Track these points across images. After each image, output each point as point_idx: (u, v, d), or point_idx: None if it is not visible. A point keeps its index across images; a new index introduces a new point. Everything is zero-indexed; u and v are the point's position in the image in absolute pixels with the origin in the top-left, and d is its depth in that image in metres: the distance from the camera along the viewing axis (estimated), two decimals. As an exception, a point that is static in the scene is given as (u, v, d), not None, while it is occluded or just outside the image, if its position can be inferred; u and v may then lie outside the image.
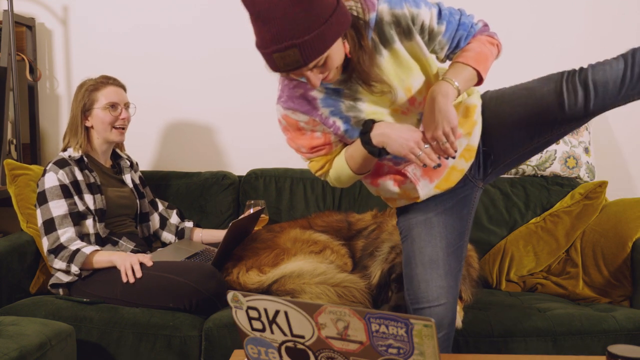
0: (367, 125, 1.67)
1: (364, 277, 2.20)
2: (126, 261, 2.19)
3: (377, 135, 1.64)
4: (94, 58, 3.02)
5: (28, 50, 2.96)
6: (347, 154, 1.76)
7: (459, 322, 2.02)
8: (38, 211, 2.28)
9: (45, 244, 2.25)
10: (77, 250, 2.21)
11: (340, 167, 1.79)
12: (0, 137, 2.75)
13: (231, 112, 3.02)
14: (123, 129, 2.45)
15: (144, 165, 2.96)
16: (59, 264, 2.22)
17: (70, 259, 2.20)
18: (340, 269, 2.28)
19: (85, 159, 2.38)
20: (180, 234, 2.62)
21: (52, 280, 2.31)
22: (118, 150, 2.57)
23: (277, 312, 1.22)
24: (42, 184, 2.29)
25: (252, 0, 1.50)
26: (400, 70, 1.66)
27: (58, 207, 2.25)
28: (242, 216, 2.53)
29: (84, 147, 2.39)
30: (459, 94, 1.63)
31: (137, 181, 2.58)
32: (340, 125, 1.72)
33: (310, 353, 1.24)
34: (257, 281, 2.24)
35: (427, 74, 1.69)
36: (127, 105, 2.45)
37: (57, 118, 3.09)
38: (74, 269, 2.21)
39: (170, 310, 2.16)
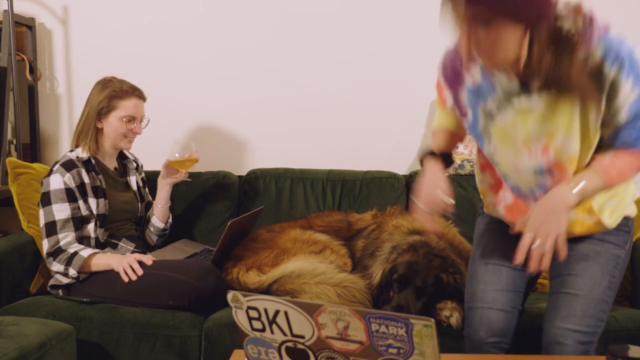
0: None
1: (365, 277, 2.20)
2: (123, 262, 2.18)
3: None
4: (94, 58, 3.02)
5: (28, 50, 2.96)
6: (433, 134, 1.81)
7: (459, 323, 2.02)
8: (41, 211, 2.27)
9: (45, 246, 2.25)
10: (75, 253, 2.21)
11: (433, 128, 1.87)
12: (0, 137, 2.75)
13: (232, 112, 3.03)
14: (133, 139, 2.43)
15: (145, 165, 2.96)
16: (57, 266, 2.22)
17: (68, 262, 2.20)
18: (340, 269, 2.28)
19: (93, 160, 2.36)
20: (148, 220, 2.58)
21: (51, 282, 2.32)
22: (125, 151, 2.55)
23: (277, 312, 1.22)
24: (48, 185, 2.27)
25: None
26: (562, 113, 1.53)
27: (61, 211, 2.24)
28: (240, 216, 2.54)
29: (92, 149, 2.37)
30: (579, 200, 1.54)
31: (141, 183, 2.58)
32: (469, 117, 1.67)
33: (310, 353, 1.24)
34: (257, 281, 2.24)
35: (581, 137, 1.55)
36: (142, 119, 2.42)
37: (57, 118, 3.09)
38: (72, 272, 2.20)
39: (170, 310, 2.16)
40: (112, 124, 2.36)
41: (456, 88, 1.67)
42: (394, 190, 2.74)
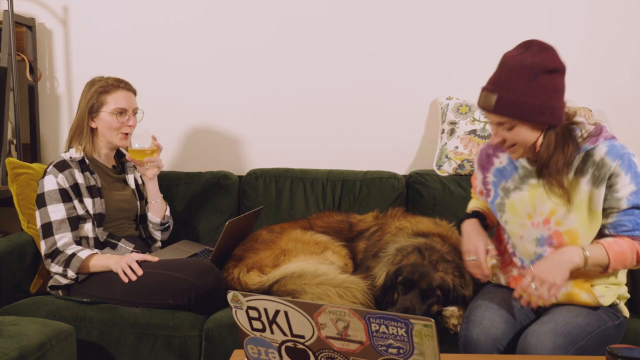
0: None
1: (367, 278, 2.20)
2: (122, 263, 2.18)
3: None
4: (94, 58, 3.02)
5: (28, 50, 2.96)
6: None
7: (457, 327, 2.03)
8: (37, 213, 2.28)
9: (42, 247, 2.26)
10: (73, 254, 2.21)
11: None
12: (0, 137, 2.75)
13: (232, 112, 3.02)
14: (127, 133, 2.41)
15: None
16: (55, 267, 2.22)
17: (67, 264, 2.20)
18: (341, 269, 2.28)
19: (86, 160, 2.36)
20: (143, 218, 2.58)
21: (50, 282, 2.31)
22: (122, 149, 2.54)
23: (277, 312, 1.22)
24: (42, 187, 2.28)
25: (510, 53, 1.77)
26: (554, 195, 1.83)
27: (56, 212, 2.24)
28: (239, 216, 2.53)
29: (88, 149, 2.37)
30: (584, 264, 1.76)
31: (140, 181, 2.57)
32: (492, 194, 1.99)
33: (310, 353, 1.24)
34: (258, 281, 2.24)
35: (580, 216, 1.81)
36: (135, 111, 2.41)
37: (57, 118, 3.09)
38: (70, 273, 2.21)
39: (170, 310, 2.16)
40: (104, 121, 2.35)
41: (486, 170, 2.02)
42: (394, 190, 2.74)
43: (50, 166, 2.31)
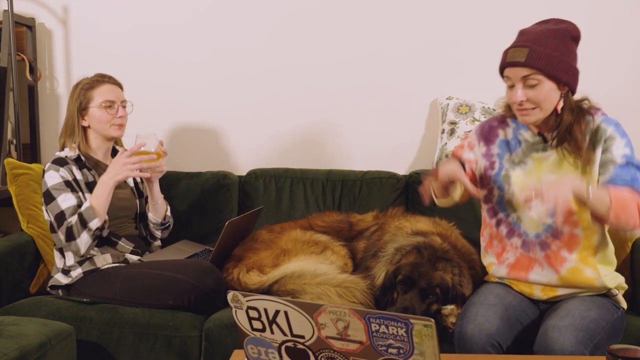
0: None
1: (367, 278, 2.20)
2: (124, 170, 2.20)
3: None
4: (94, 58, 3.02)
5: (28, 50, 2.96)
6: None
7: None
8: (46, 211, 2.27)
9: (58, 238, 2.23)
10: (79, 214, 2.19)
11: None
12: (0, 137, 2.75)
13: (232, 112, 3.02)
14: (121, 124, 2.41)
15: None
16: (82, 240, 2.19)
17: (83, 224, 2.18)
18: (341, 269, 2.28)
19: (82, 157, 2.37)
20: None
21: (51, 282, 2.31)
22: (118, 147, 2.54)
23: (277, 312, 1.22)
24: (45, 183, 2.27)
25: (531, 27, 1.87)
26: (569, 163, 1.87)
27: (67, 200, 2.23)
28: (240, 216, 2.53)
29: (82, 147, 2.38)
30: (587, 198, 1.70)
31: (138, 179, 2.56)
32: (496, 167, 1.98)
33: (310, 353, 1.24)
34: (257, 281, 2.24)
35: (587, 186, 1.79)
36: (123, 104, 2.42)
37: (57, 118, 3.09)
38: (95, 223, 2.18)
39: (170, 310, 2.16)
40: (94, 116, 2.37)
41: (491, 142, 2.02)
42: (394, 190, 2.74)
43: (48, 164, 2.31)
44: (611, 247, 1.97)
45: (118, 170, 2.22)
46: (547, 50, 1.77)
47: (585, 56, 2.87)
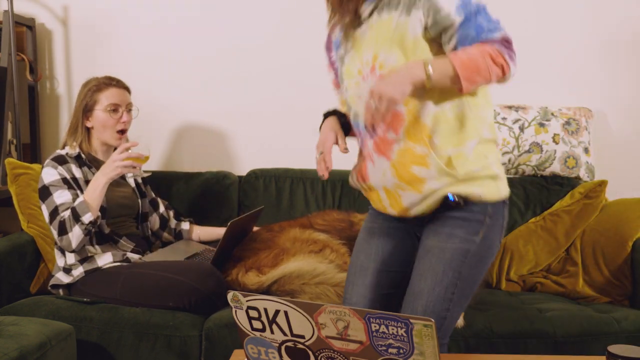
0: None
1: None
2: (116, 167, 2.18)
3: None
4: (94, 58, 3.02)
5: (28, 51, 2.96)
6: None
7: (460, 321, 2.02)
8: (43, 207, 2.27)
9: (54, 232, 2.23)
10: (72, 209, 2.18)
11: None
12: (0, 137, 2.75)
13: (232, 112, 3.02)
14: (123, 132, 2.42)
15: (145, 165, 2.96)
16: (74, 234, 2.18)
17: (76, 217, 2.18)
18: (340, 268, 2.28)
19: (83, 155, 2.37)
20: (178, 235, 2.62)
21: (52, 281, 2.31)
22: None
23: (277, 312, 1.22)
24: (42, 180, 2.28)
25: None
26: (383, 36, 1.63)
27: (62, 197, 2.23)
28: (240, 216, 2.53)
29: (84, 147, 2.39)
30: (427, 81, 1.52)
31: (139, 180, 2.57)
32: (337, 69, 1.82)
33: (310, 353, 1.25)
34: (256, 282, 2.24)
35: (402, 51, 1.61)
36: (129, 107, 2.43)
37: (57, 118, 3.09)
38: (87, 217, 2.17)
39: (170, 310, 2.16)
40: (98, 118, 2.37)
41: (330, 50, 1.86)
42: (394, 190, 2.74)
43: (48, 160, 2.31)
44: (473, 121, 1.63)
45: (110, 167, 2.21)
46: None
47: (586, 56, 2.90)
